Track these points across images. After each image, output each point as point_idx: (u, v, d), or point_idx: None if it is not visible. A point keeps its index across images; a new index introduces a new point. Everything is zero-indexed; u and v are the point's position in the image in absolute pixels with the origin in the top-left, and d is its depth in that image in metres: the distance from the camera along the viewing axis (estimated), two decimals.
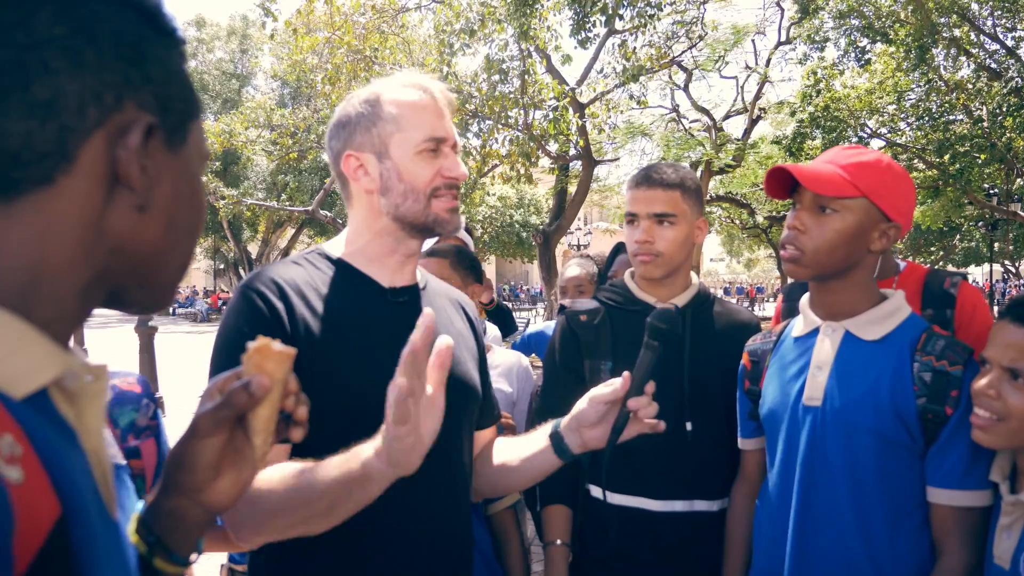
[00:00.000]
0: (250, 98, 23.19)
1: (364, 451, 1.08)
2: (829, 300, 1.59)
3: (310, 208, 16.78)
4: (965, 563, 1.44)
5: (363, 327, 1.33)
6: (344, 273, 1.38)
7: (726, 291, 33.75)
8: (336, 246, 1.43)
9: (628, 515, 1.82)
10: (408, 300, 1.41)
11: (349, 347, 1.30)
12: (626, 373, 1.36)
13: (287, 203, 21.59)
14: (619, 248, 2.95)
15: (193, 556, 0.85)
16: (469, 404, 1.46)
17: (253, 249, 27.69)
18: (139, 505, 0.84)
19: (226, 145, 17.16)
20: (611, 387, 1.35)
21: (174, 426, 1.54)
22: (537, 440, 1.46)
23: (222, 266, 33.91)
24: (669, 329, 1.40)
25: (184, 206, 0.69)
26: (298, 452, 1.21)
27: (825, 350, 1.57)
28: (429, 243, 2.76)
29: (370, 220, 1.39)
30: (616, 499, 1.84)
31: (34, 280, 0.59)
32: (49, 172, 0.58)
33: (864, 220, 1.48)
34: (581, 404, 1.39)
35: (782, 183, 1.59)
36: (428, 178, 1.35)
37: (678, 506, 1.82)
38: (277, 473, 1.17)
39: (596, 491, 1.89)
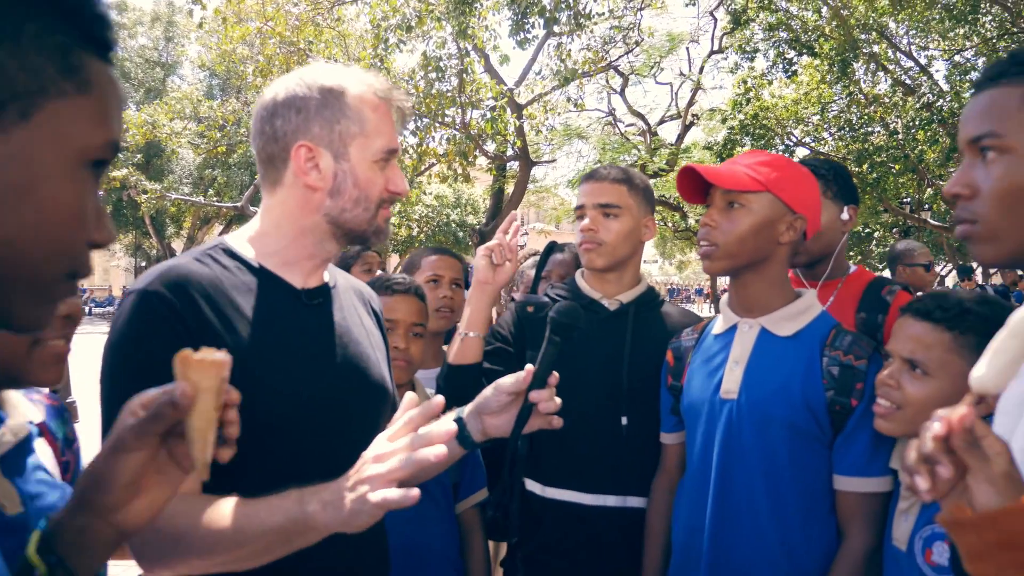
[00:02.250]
0: (176, 88, 22.28)
1: (309, 502, 1.05)
2: (745, 295, 1.67)
3: (239, 204, 16.20)
4: (866, 545, 1.53)
5: (280, 332, 1.26)
6: (254, 274, 1.28)
7: (671, 293, 34.62)
8: (241, 243, 1.32)
9: (562, 509, 1.85)
10: (322, 302, 1.36)
11: (268, 354, 1.23)
12: (529, 366, 1.38)
13: (215, 199, 20.85)
14: (551, 247, 2.97)
15: None
16: (383, 406, 1.44)
17: (178, 246, 26.59)
18: (40, 523, 0.78)
19: (149, 137, 16.40)
20: (514, 378, 1.36)
21: (87, 434, 1.44)
22: (443, 427, 1.44)
23: (144, 263, 32.49)
24: (570, 324, 1.42)
25: (14, 198, 0.59)
26: (215, 466, 1.13)
27: (742, 345, 1.64)
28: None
29: (298, 215, 1.30)
30: (551, 493, 1.87)
31: None
32: None
33: (769, 213, 1.58)
34: (486, 392, 1.40)
35: (696, 187, 1.68)
36: (381, 188, 1.31)
37: (611, 501, 1.84)
38: (202, 510, 1.08)
39: (533, 485, 1.91)
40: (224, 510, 1.08)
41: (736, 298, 1.70)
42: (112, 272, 43.64)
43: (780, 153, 14.77)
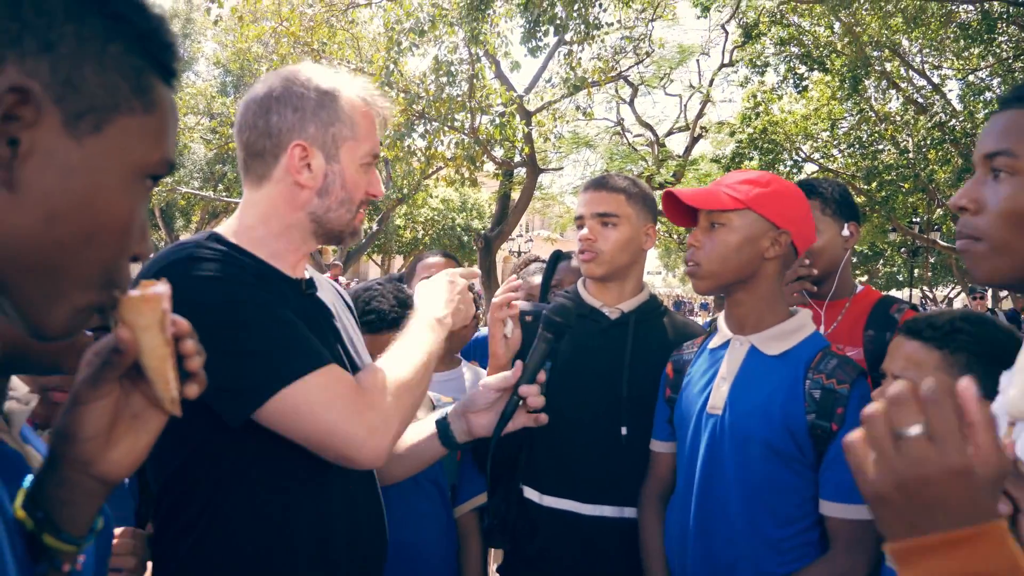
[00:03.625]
0: (190, 84, 22.43)
1: (431, 318, 1.38)
2: (737, 312, 1.67)
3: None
4: (844, 568, 1.52)
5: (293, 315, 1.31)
6: (252, 261, 1.32)
7: (676, 306, 34.45)
8: (231, 234, 1.35)
9: (558, 517, 1.84)
10: (315, 292, 1.42)
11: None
12: (519, 362, 1.45)
13: (224, 194, 20.97)
14: (558, 256, 2.97)
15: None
16: None
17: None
18: (26, 479, 0.79)
19: None
20: (503, 375, 1.43)
21: None
22: (424, 428, 1.52)
23: (152, 256, 32.55)
24: (563, 322, 1.49)
25: (78, 205, 0.62)
26: (248, 451, 1.22)
27: (731, 362, 1.65)
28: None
29: (284, 212, 1.34)
30: (548, 501, 1.86)
31: None
32: None
33: (751, 229, 1.59)
34: (475, 389, 1.47)
35: (683, 210, 1.69)
36: (363, 190, 1.36)
37: (608, 511, 1.84)
38: (392, 366, 1.29)
39: (531, 492, 1.90)
40: (396, 359, 1.30)
41: (729, 315, 1.70)
42: None
43: (788, 168, 14.74)
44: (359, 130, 1.34)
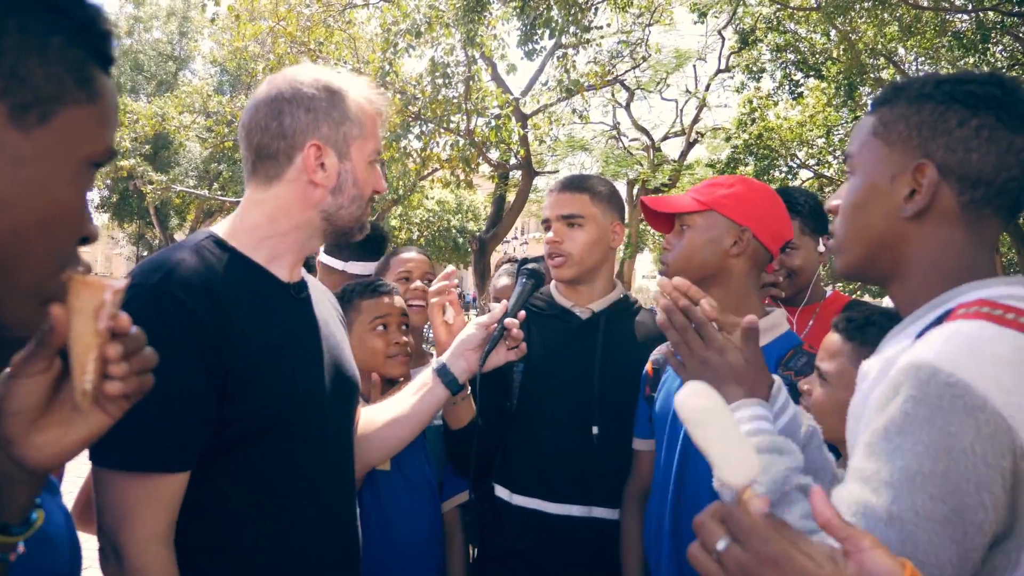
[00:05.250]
0: (186, 82, 22.40)
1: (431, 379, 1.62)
2: None
3: (243, 199, 16.25)
4: None
5: (277, 327, 1.32)
6: (248, 268, 1.32)
7: None
8: (229, 234, 1.35)
9: (528, 516, 1.86)
10: (306, 296, 1.42)
11: (268, 349, 1.28)
12: (504, 301, 1.70)
13: (219, 193, 20.91)
14: (524, 262, 2.99)
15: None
16: (355, 398, 1.52)
17: (180, 238, 26.61)
18: None
19: (158, 128, 16.51)
20: (491, 314, 1.67)
21: None
22: (420, 382, 1.65)
23: (146, 253, 32.58)
24: (537, 270, 1.77)
25: (28, 194, 0.63)
26: (238, 454, 1.23)
27: None
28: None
29: (295, 210, 1.35)
30: (518, 500, 1.88)
31: None
32: None
33: (714, 229, 1.67)
34: (468, 329, 1.67)
35: (660, 217, 1.77)
36: (372, 187, 1.40)
37: (576, 511, 1.85)
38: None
39: (502, 491, 1.92)
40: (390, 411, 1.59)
41: None
42: (114, 260, 43.77)
43: (784, 175, 14.76)
44: (366, 128, 1.37)
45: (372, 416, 1.63)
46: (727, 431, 0.84)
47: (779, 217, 1.74)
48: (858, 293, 15.69)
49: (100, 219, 25.41)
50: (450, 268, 1.85)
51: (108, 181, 18.51)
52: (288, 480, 1.28)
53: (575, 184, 1.97)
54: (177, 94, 18.61)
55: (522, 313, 1.66)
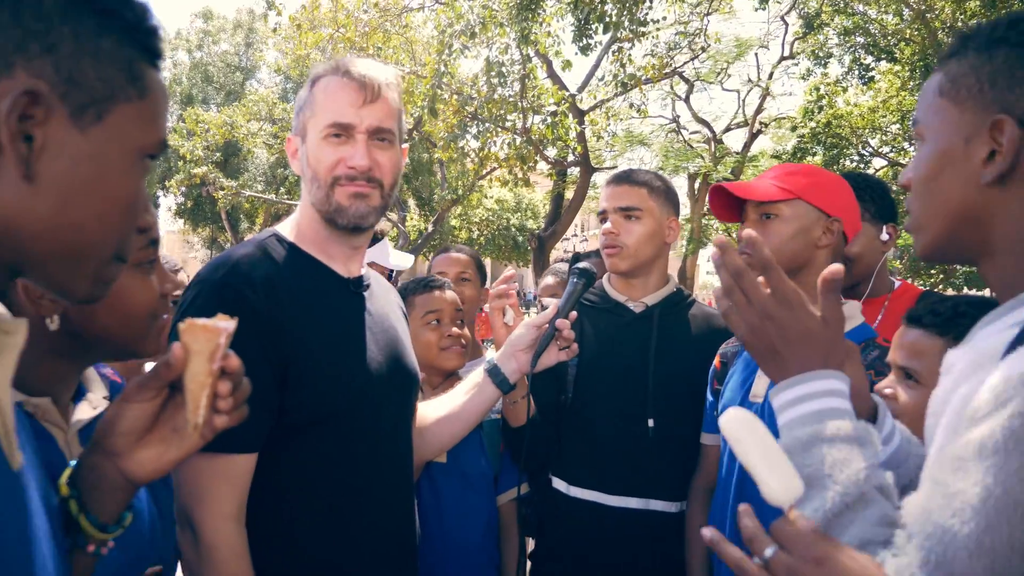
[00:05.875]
0: (253, 91, 23.17)
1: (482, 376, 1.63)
2: None
3: None
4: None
5: (337, 321, 1.34)
6: (308, 264, 1.35)
7: None
8: (290, 231, 1.39)
9: (585, 509, 1.87)
10: (366, 291, 1.43)
11: (328, 343, 1.30)
12: (555, 302, 1.67)
13: (285, 196, 21.55)
14: (578, 257, 3.02)
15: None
16: (415, 390, 1.55)
17: None
18: (72, 460, 0.86)
19: (228, 137, 17.15)
20: (543, 314, 1.64)
21: None
22: (472, 381, 1.66)
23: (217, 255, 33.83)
24: (589, 269, 1.74)
25: (88, 189, 0.68)
26: (295, 445, 1.26)
27: None
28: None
29: (305, 207, 1.38)
30: (575, 492, 1.90)
31: None
32: None
33: (803, 219, 1.61)
34: (519, 330, 1.65)
35: (729, 206, 1.71)
36: (329, 164, 1.31)
37: (633, 503, 1.86)
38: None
39: (559, 483, 1.94)
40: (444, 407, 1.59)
41: None
42: (190, 263, 45.76)
43: (855, 164, 14.18)
44: (318, 105, 1.32)
45: (425, 412, 1.65)
46: (768, 448, 0.82)
47: (857, 208, 1.70)
48: (940, 288, 14.92)
49: (176, 224, 26.61)
50: (509, 271, 1.85)
51: (183, 188, 19.38)
52: (343, 472, 1.29)
53: (632, 177, 1.98)
54: (244, 103, 19.28)
55: (573, 313, 1.64)
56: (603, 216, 1.98)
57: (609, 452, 1.86)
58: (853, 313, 1.66)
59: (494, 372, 1.63)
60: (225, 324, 0.81)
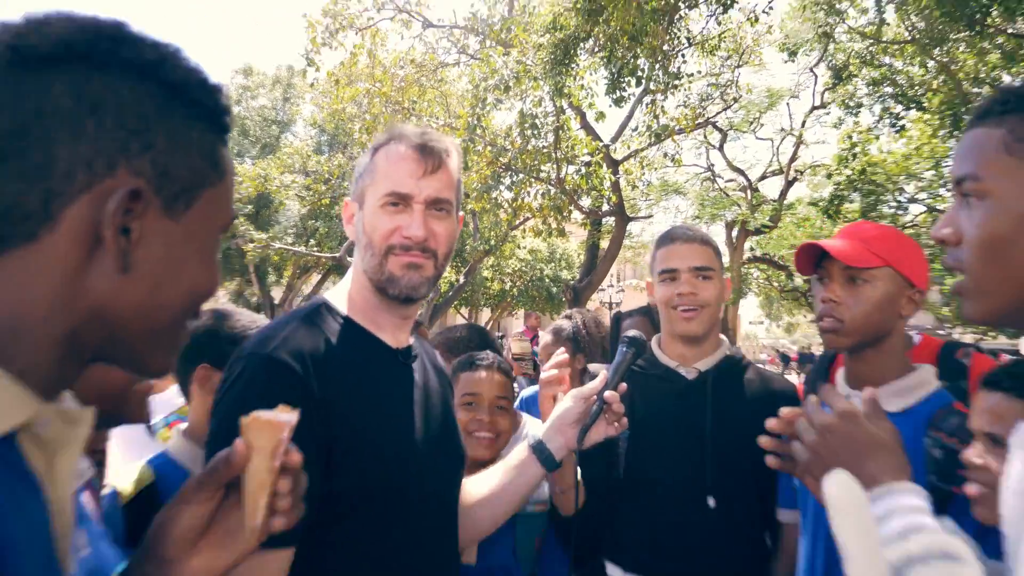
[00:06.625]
0: (288, 144, 23.69)
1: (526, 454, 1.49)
2: (860, 369, 1.63)
3: (338, 255, 16.86)
4: None
5: (387, 395, 1.29)
6: (357, 334, 1.30)
7: (785, 359, 31.18)
8: (339, 300, 1.35)
9: None
10: (414, 363, 1.38)
11: (378, 417, 1.24)
12: (603, 371, 1.53)
13: (315, 249, 21.80)
14: (619, 317, 2.97)
15: None
16: (460, 470, 1.45)
17: (277, 294, 27.81)
18: (117, 567, 0.82)
19: (260, 189, 17.44)
20: (591, 385, 1.51)
21: None
22: (514, 459, 1.50)
23: (245, 310, 34.15)
24: (639, 337, 1.61)
25: (178, 271, 0.70)
26: (337, 528, 1.17)
27: None
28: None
29: (357, 274, 1.35)
30: None
31: (12, 330, 0.62)
32: (33, 230, 0.62)
33: (892, 287, 1.58)
34: (565, 403, 1.51)
35: (809, 259, 1.68)
36: (385, 232, 1.28)
37: None
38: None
39: (614, 570, 1.78)
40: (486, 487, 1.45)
41: (851, 372, 1.66)
42: None
43: (893, 211, 14.02)
44: (378, 172, 1.31)
45: (463, 491, 1.51)
46: (865, 530, 0.78)
47: (928, 276, 1.66)
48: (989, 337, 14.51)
49: None
50: (562, 356, 1.65)
51: None
52: (386, 554, 1.21)
53: (704, 237, 1.91)
54: (279, 155, 19.67)
55: (623, 385, 1.52)
56: (672, 275, 1.84)
57: (666, 533, 1.71)
58: (928, 378, 1.60)
59: (539, 448, 1.48)
60: (288, 417, 0.77)
